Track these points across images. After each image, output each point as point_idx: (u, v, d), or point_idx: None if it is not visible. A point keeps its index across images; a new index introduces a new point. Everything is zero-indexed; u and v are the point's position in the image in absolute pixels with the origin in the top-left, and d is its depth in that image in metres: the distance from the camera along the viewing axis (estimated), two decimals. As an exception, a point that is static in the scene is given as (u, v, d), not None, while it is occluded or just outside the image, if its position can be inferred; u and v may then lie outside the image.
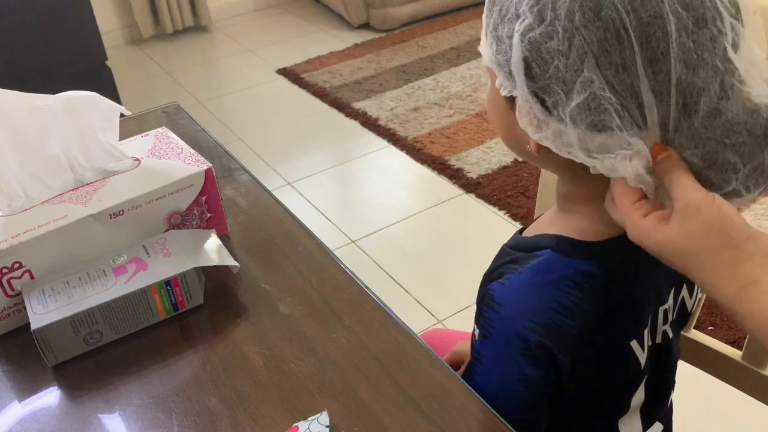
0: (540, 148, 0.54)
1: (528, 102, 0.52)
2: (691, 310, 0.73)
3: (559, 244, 0.59)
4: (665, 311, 0.65)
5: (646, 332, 0.63)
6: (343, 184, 2.38)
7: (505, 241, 0.65)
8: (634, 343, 0.61)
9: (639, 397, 0.66)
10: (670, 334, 0.68)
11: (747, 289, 0.47)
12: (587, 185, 0.57)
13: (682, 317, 0.72)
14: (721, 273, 0.47)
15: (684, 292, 0.69)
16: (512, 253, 0.62)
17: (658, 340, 0.66)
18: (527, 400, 0.60)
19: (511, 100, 0.54)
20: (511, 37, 0.51)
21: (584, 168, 0.53)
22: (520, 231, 0.67)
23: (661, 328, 0.66)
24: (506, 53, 0.52)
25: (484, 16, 0.56)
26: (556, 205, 0.64)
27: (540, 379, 0.59)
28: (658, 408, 0.71)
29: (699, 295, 0.73)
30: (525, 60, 0.50)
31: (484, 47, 0.56)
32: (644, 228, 0.50)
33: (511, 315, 0.59)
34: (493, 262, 0.64)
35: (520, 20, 0.50)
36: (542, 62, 0.49)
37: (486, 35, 0.56)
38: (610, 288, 0.58)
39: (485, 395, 0.60)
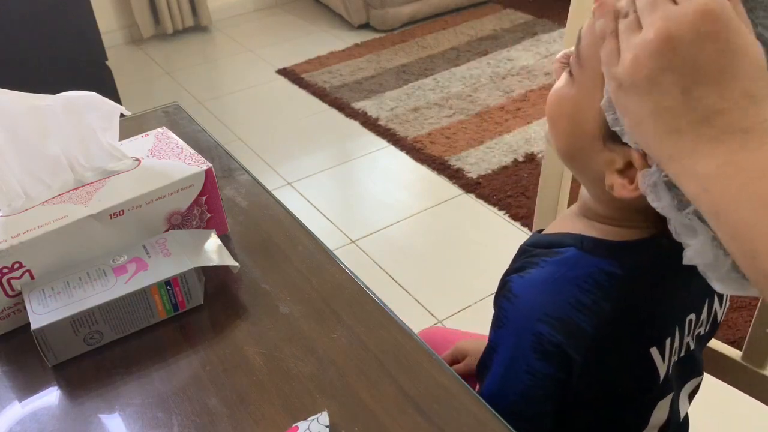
0: (633, 196, 0.50)
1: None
2: (720, 320, 0.70)
3: (584, 242, 0.58)
4: (690, 321, 0.63)
5: (668, 341, 0.61)
6: (343, 184, 2.38)
7: (519, 242, 0.64)
8: (654, 351, 0.60)
9: (662, 415, 0.65)
10: (692, 346, 0.66)
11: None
12: (625, 209, 0.55)
13: (712, 330, 0.69)
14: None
15: (716, 302, 0.66)
16: (532, 251, 0.61)
17: (683, 353, 0.64)
18: (528, 393, 0.60)
19: (612, 133, 0.49)
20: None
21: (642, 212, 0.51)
22: (539, 231, 0.66)
23: (686, 339, 0.64)
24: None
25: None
26: (576, 209, 0.63)
27: (547, 376, 0.58)
28: (673, 426, 0.69)
29: (727, 304, 0.70)
30: None
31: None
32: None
33: (526, 307, 0.58)
34: (512, 261, 0.64)
35: None
36: None
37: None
38: (632, 290, 0.57)
39: (493, 383, 0.61)
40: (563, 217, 0.65)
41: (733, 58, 0.40)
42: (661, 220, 0.50)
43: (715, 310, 0.67)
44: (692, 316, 0.63)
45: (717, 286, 0.47)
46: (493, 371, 0.62)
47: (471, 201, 2.19)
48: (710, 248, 0.46)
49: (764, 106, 0.40)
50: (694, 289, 0.62)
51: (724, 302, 0.69)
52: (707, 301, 0.64)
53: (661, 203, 0.47)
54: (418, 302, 1.81)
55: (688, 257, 0.47)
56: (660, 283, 0.59)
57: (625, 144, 0.49)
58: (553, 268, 0.58)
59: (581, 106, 0.53)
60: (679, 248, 0.49)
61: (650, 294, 0.59)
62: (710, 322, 0.67)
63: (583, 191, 0.61)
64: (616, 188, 0.52)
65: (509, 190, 2.19)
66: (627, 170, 0.51)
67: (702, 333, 0.67)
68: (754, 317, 0.81)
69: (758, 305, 0.80)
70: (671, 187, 0.46)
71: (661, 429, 0.66)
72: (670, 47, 0.41)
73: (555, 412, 0.62)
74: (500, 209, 2.12)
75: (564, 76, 0.55)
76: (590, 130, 0.52)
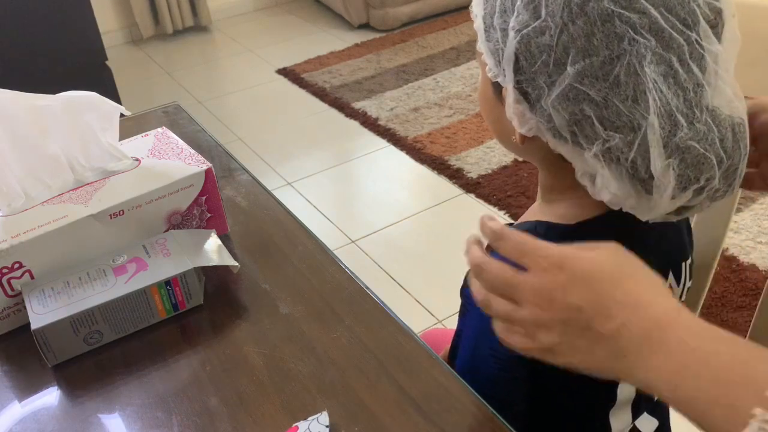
0: (524, 139, 0.57)
1: (513, 94, 0.54)
2: (679, 299, 0.71)
3: (538, 227, 0.61)
4: None
5: None
6: (343, 184, 2.38)
7: None
8: None
9: (629, 389, 0.66)
10: None
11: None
12: (568, 175, 0.58)
13: None
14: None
15: (671, 279, 0.68)
16: None
17: None
18: (496, 376, 0.61)
19: (498, 87, 0.57)
20: (504, 30, 0.53)
21: (564, 159, 0.55)
22: (509, 225, 0.67)
23: None
24: (497, 43, 0.54)
25: (476, 1, 0.58)
26: (539, 197, 0.66)
27: (511, 358, 0.59)
28: (646, 400, 0.70)
29: (687, 285, 0.73)
30: (515, 54, 0.52)
31: (479, 33, 0.58)
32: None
33: None
34: None
35: (514, 15, 0.52)
36: (531, 57, 0.51)
37: (481, 21, 0.57)
38: None
39: (461, 369, 0.62)
40: (530, 208, 0.68)
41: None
42: None
43: (670, 286, 0.68)
44: None
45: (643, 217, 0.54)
46: (461, 357, 0.64)
47: (471, 201, 2.19)
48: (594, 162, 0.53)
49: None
50: (655, 260, 0.63)
51: (681, 282, 0.70)
52: (661, 275, 0.66)
53: (527, 125, 0.55)
54: (418, 302, 1.81)
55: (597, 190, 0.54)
56: None
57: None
58: None
59: (485, 84, 0.60)
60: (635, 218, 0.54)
61: None
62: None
63: (540, 175, 0.65)
64: (517, 136, 0.57)
65: (509, 190, 2.19)
66: None
67: None
68: (754, 318, 0.81)
69: (758, 306, 0.80)
70: (535, 103, 0.53)
71: (634, 404, 0.67)
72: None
73: (528, 395, 0.62)
74: (500, 209, 2.12)
75: None
76: (493, 101, 0.60)
